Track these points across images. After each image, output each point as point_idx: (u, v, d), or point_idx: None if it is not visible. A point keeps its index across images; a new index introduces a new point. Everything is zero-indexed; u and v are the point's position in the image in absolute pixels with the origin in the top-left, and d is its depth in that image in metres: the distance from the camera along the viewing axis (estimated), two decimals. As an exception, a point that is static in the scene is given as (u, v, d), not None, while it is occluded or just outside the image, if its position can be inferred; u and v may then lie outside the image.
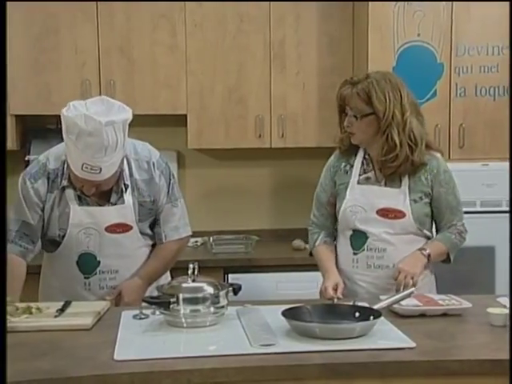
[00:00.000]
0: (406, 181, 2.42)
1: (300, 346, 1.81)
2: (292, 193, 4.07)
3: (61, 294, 2.41)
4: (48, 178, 2.41)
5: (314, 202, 2.60)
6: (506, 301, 2.16)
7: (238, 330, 1.98)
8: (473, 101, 3.56)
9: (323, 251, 2.52)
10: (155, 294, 2.18)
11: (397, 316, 2.09)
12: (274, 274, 3.52)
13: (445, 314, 2.12)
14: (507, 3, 3.44)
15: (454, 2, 3.50)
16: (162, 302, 2.01)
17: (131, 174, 2.44)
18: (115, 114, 2.24)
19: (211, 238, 3.78)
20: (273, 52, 3.78)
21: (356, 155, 2.49)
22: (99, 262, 2.44)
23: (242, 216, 4.10)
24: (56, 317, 2.09)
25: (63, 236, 2.42)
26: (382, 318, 1.96)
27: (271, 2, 3.74)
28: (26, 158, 3.55)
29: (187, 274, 2.08)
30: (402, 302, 2.11)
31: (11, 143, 3.66)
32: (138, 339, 1.91)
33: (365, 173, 2.47)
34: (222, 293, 2.06)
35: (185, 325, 2.00)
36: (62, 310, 2.14)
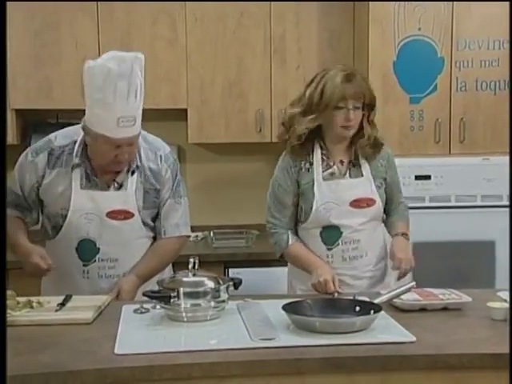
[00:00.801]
0: (367, 169, 2.49)
1: (300, 340, 1.81)
2: (292, 187, 4.06)
3: (60, 283, 2.41)
4: (50, 154, 2.40)
5: (274, 205, 2.52)
6: (506, 295, 2.16)
7: (238, 324, 1.98)
8: (473, 95, 3.55)
9: (301, 248, 2.50)
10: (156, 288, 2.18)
11: (397, 310, 2.10)
12: (275, 268, 3.50)
13: (445, 309, 2.12)
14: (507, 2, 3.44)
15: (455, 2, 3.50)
16: (163, 297, 2.01)
17: (140, 160, 2.43)
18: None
19: (212, 233, 3.78)
20: (273, 46, 3.77)
21: (312, 153, 2.48)
22: (99, 249, 2.41)
23: (243, 210, 4.09)
24: (57, 311, 2.10)
25: (65, 216, 2.39)
26: (383, 312, 1.96)
27: (272, 2, 3.74)
28: (27, 153, 3.55)
29: (188, 269, 2.08)
30: (403, 297, 2.11)
31: (11, 138, 3.66)
32: (139, 333, 1.91)
33: (327, 169, 2.48)
34: (222, 287, 2.06)
35: (185, 319, 2.01)
36: (62, 304, 2.15)
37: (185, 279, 2.06)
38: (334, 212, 2.44)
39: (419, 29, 3.51)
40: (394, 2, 3.48)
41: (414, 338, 1.82)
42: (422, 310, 2.11)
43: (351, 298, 2.11)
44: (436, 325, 1.98)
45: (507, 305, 2.02)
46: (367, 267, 2.48)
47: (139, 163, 2.42)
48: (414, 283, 2.17)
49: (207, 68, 3.76)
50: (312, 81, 2.45)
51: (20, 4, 3.57)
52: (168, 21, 3.71)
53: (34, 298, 2.17)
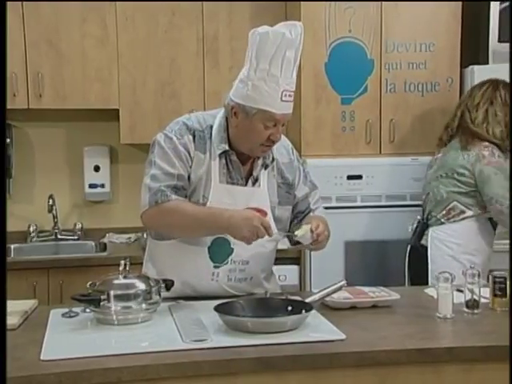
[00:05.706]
0: None
1: (233, 341, 1.81)
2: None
3: (181, 286, 2.22)
4: (194, 136, 2.20)
5: None
6: (433, 291, 2.22)
7: (170, 326, 1.96)
8: (402, 96, 3.63)
9: None
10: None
11: (328, 309, 2.12)
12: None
13: (375, 306, 2.16)
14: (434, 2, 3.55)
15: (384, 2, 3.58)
16: (93, 300, 1.97)
17: (273, 153, 2.28)
18: None
19: (145, 234, 3.73)
20: (206, 46, 3.75)
21: None
22: (233, 249, 2.21)
23: (176, 211, 4.06)
24: (-20, 317, 2.03)
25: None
26: (314, 311, 1.98)
27: (204, 2, 3.72)
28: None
29: (119, 271, 2.05)
30: (334, 295, 2.13)
31: None
32: (67, 338, 1.87)
33: None
34: (154, 289, 2.03)
35: (116, 322, 1.97)
36: (-13, 310, 2.08)
37: (115, 281, 2.02)
38: None
39: (349, 31, 3.56)
40: (324, 3, 3.52)
41: (343, 336, 1.85)
42: (353, 307, 2.14)
43: (283, 297, 2.12)
44: (365, 322, 2.02)
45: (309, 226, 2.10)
46: None
47: (274, 156, 2.28)
48: (344, 282, 2.20)
49: (139, 68, 3.71)
50: None
51: None
52: (98, 19, 3.63)
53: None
